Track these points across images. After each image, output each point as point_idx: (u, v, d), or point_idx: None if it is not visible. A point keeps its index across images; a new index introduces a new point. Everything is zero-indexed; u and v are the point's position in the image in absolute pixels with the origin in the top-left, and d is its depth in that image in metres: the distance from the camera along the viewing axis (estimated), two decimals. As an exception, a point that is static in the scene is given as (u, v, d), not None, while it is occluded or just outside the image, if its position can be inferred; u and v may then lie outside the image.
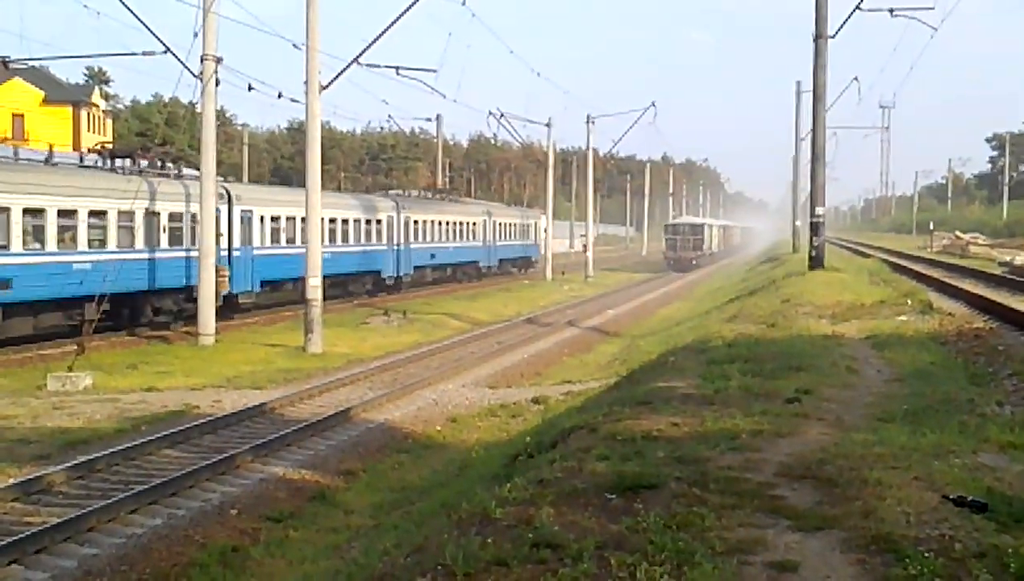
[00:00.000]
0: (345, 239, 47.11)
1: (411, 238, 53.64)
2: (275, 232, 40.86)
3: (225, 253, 36.19)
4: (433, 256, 57.23)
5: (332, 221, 44.65)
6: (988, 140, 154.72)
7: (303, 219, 35.57)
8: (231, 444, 17.62)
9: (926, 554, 6.72)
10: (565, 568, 6.64)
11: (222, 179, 39.73)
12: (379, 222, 50.71)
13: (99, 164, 34.28)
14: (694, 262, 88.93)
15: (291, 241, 41.07)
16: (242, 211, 38.20)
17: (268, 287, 40.71)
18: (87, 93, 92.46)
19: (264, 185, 48.36)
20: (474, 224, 64.27)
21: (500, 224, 70.14)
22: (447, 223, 60.03)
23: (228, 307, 36.27)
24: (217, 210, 34.18)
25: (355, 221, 48.26)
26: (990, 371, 15.23)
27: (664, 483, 8.47)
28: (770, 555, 6.90)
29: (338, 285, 45.61)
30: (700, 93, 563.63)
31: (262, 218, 39.93)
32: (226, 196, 37.12)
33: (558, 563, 6.76)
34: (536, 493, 8.56)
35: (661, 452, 9.62)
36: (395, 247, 52.28)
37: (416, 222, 54.77)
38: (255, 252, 38.99)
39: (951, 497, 7.92)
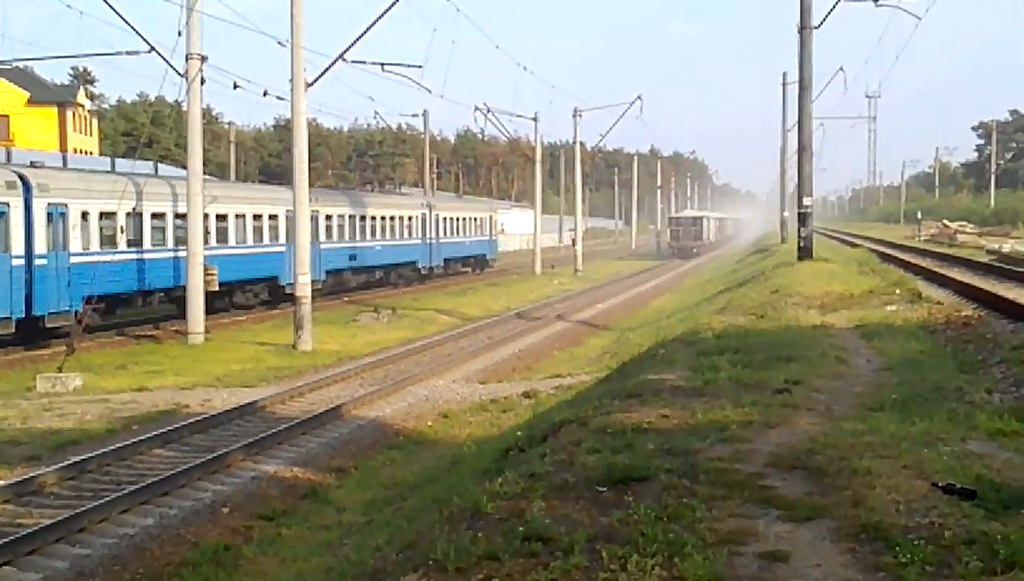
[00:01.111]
0: (241, 239, 40.34)
1: (321, 236, 44.93)
2: (106, 233, 32.44)
3: (20, 261, 27.94)
4: (353, 257, 49.59)
5: (221, 217, 38.51)
6: (975, 128, 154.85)
7: (155, 215, 34.18)
8: (222, 443, 17.60)
9: (916, 542, 6.74)
10: (556, 561, 6.64)
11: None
12: (273, 218, 42.63)
13: None
14: (695, 250, 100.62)
15: (134, 243, 33.53)
16: (50, 205, 29.50)
17: (99, 302, 30.10)
18: (72, 93, 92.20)
19: (86, 172, 35.41)
20: (409, 219, 57.64)
21: (445, 219, 63.78)
22: (372, 218, 52.53)
23: (30, 337, 29.03)
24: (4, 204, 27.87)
25: (241, 217, 40.45)
26: (979, 359, 15.26)
27: (654, 475, 8.47)
28: (761, 545, 6.91)
29: (222, 294, 37.65)
30: (687, 85, 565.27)
31: (84, 215, 31.23)
32: (19, 186, 28.46)
33: (549, 556, 6.76)
34: (527, 487, 8.56)
35: (651, 444, 9.63)
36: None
37: (328, 217, 47.21)
38: (72, 259, 30.14)
39: (940, 485, 7.94)
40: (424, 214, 59.55)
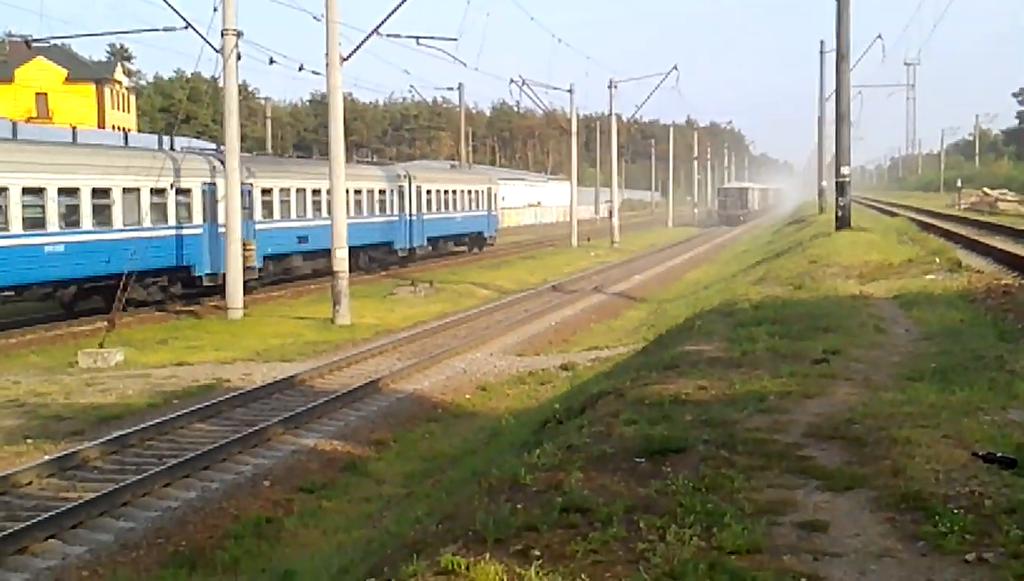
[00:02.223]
0: (115, 220, 30.93)
1: (256, 214, 37.96)
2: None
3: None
4: (303, 239, 40.94)
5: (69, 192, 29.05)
6: (1015, 95, 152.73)
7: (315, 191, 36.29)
8: (262, 417, 17.75)
9: (956, 511, 6.72)
10: (595, 532, 6.65)
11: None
12: (185, 193, 34.35)
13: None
14: (741, 218, 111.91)
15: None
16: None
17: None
18: (110, 70, 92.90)
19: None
20: (381, 193, 49.42)
21: (430, 192, 55.65)
22: (328, 193, 38.18)
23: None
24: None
25: (128, 192, 31.65)
26: (1020, 327, 15.09)
27: (692, 446, 8.48)
28: (799, 515, 6.91)
29: (92, 289, 30.64)
30: (723, 55, 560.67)
31: (265, 190, 37.05)
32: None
33: (588, 527, 6.78)
34: (565, 459, 8.59)
35: (689, 415, 9.63)
36: (219, 229, 34.25)
37: (267, 192, 39.37)
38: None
39: (980, 454, 7.91)
40: (402, 187, 52.03)
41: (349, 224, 35.08)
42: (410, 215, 52.13)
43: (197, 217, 34.57)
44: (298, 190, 41.85)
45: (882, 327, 15.55)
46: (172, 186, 33.21)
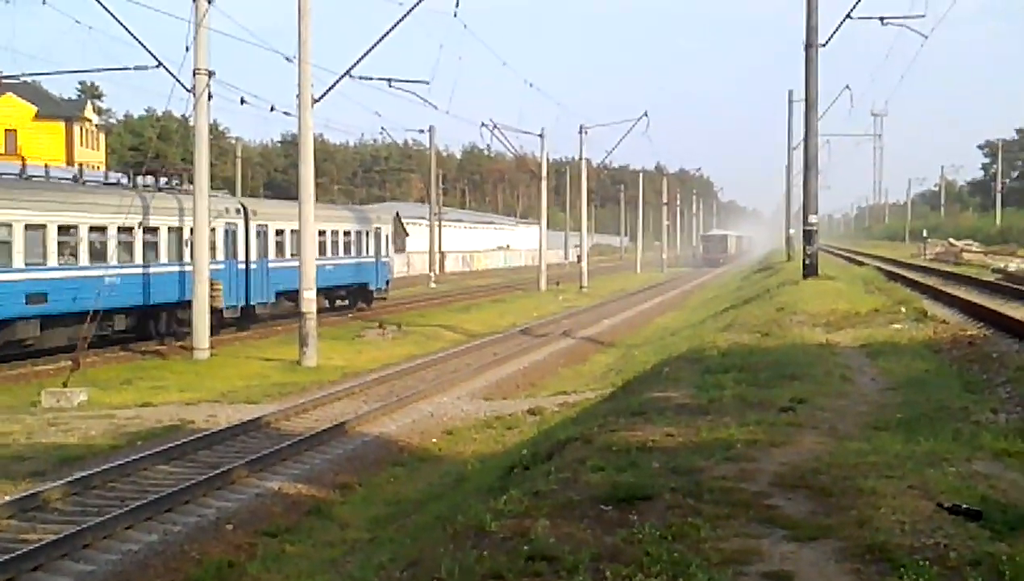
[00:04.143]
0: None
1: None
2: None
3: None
4: (37, 297, 28.05)
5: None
6: (980, 147, 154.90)
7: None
8: (227, 459, 17.55)
9: (921, 563, 6.73)
10: (561, 581, 6.65)
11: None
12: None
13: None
14: (720, 261, 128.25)
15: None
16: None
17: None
18: (79, 108, 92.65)
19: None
20: (178, 232, 34.62)
21: (279, 232, 41.04)
22: (94, 231, 30.77)
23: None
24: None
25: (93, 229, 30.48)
26: (984, 378, 15.22)
27: (659, 494, 8.47)
28: (765, 565, 6.91)
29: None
30: (693, 103, 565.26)
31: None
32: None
33: (553, 576, 6.76)
34: (531, 505, 8.57)
35: (656, 462, 9.63)
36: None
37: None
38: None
39: (946, 505, 7.94)
40: (232, 225, 37.91)
41: (119, 278, 30.69)
42: (241, 262, 38.26)
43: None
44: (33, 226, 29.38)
45: (848, 376, 15.63)
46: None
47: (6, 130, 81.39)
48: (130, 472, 16.44)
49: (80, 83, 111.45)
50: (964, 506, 7.89)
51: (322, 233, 42.45)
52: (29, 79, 70.15)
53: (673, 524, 7.65)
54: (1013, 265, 51.76)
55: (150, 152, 47.69)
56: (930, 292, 33.39)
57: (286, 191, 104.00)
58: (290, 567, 12.88)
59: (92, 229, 30.73)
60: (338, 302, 48.62)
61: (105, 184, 34.53)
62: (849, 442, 10.41)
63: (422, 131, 75.25)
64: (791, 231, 76.63)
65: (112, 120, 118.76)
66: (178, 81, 30.11)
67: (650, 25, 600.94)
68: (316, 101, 30.60)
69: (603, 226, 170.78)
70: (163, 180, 36.33)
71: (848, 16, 36.36)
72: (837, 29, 36.79)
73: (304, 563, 12.99)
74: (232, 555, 13.14)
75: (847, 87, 54.48)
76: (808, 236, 39.00)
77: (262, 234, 39.65)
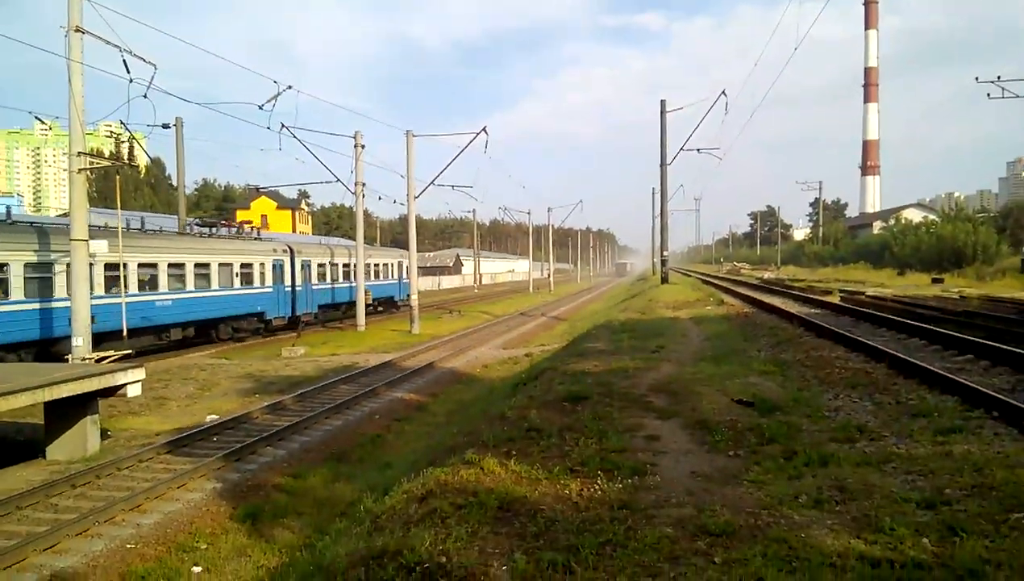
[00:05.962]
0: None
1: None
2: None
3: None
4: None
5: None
6: (750, 215, 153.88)
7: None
8: (375, 381, 17.48)
9: (724, 429, 6.75)
10: (543, 441, 6.66)
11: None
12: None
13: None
14: (624, 275, 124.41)
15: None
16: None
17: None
18: (298, 203, 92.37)
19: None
20: (228, 266, 24.72)
21: (319, 265, 30.92)
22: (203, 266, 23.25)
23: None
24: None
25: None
26: (753, 334, 15.18)
27: (591, 396, 8.47)
28: (645, 432, 6.92)
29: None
30: (609, 193, 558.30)
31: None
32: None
33: (539, 439, 6.77)
34: (528, 402, 8.58)
35: (589, 380, 9.63)
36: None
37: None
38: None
39: (735, 399, 7.97)
40: (279, 261, 27.72)
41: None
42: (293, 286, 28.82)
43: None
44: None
45: (686, 333, 15.56)
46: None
47: (262, 215, 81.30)
48: (327, 389, 16.42)
49: (298, 190, 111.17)
50: (744, 399, 7.91)
51: (367, 265, 34.94)
52: (272, 189, 69.94)
53: (598, 411, 7.66)
54: (767, 275, 51.53)
55: (333, 225, 47.12)
56: (725, 290, 33.19)
57: (401, 245, 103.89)
58: (407, 436, 12.86)
59: (197, 265, 23.14)
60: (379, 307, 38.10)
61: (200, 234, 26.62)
62: (686, 367, 10.39)
63: (469, 212, 75.10)
64: (655, 259, 76.32)
65: (315, 208, 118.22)
66: (347, 188, 29.92)
67: (589, 154, 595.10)
68: (416, 197, 30.38)
69: (561, 258, 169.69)
70: (224, 229, 28.41)
71: (681, 149, 35.74)
72: (676, 156, 36.25)
73: (414, 434, 12.96)
74: (378, 431, 13.14)
75: (681, 186, 54.50)
76: (663, 262, 38.86)
77: (306, 266, 29.84)
